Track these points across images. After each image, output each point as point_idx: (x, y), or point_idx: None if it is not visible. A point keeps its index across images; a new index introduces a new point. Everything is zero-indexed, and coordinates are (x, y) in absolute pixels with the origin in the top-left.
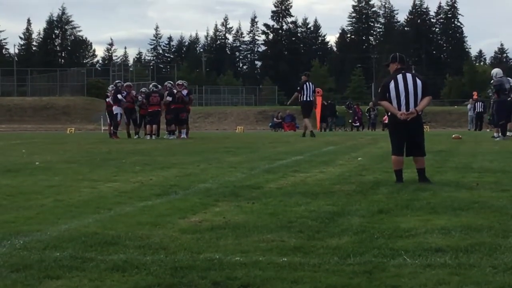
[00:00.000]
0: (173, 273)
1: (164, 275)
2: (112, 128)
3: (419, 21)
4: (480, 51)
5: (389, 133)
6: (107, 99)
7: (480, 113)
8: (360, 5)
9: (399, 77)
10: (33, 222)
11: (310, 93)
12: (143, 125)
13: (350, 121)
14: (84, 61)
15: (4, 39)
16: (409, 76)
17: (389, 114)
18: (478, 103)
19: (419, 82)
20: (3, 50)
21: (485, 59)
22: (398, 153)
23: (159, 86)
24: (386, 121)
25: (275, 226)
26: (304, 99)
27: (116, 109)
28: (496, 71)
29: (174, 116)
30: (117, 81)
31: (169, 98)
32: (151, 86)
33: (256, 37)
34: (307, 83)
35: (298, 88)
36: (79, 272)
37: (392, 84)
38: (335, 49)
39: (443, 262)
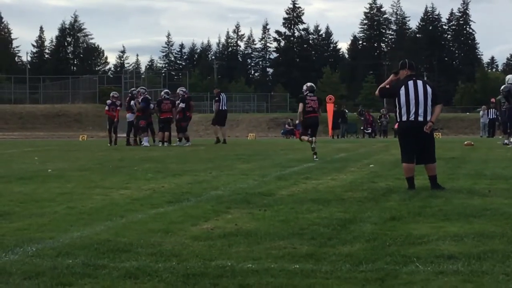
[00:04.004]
0: (185, 280)
1: (176, 282)
2: (130, 135)
3: (431, 27)
4: (492, 57)
5: (399, 140)
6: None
7: (493, 119)
8: (372, 12)
9: (410, 83)
10: (45, 229)
11: (225, 102)
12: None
13: (362, 128)
14: (96, 69)
15: (17, 47)
16: (419, 83)
17: (399, 121)
18: (491, 109)
19: (429, 89)
20: (16, 58)
21: (497, 65)
22: (408, 160)
23: (170, 93)
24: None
25: (287, 233)
26: (221, 108)
27: (130, 117)
28: (509, 77)
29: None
30: (132, 89)
31: (182, 105)
32: (162, 93)
33: (268, 44)
34: (222, 94)
35: (217, 98)
36: (92, 279)
37: (402, 90)
38: (346, 56)
39: (455, 269)
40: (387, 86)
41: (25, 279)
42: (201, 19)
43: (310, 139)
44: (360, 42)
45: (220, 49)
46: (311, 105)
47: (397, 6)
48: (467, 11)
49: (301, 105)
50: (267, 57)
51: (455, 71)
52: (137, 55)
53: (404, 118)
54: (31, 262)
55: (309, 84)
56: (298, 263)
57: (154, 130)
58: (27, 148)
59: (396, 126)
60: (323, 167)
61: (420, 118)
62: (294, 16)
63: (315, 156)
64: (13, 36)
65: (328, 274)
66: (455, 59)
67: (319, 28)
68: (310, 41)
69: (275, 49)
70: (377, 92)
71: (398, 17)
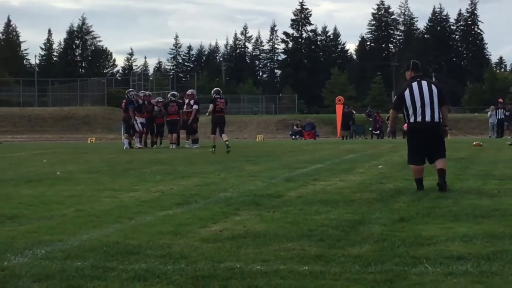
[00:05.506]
0: (194, 282)
1: (185, 284)
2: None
3: (439, 28)
4: (501, 58)
5: (407, 142)
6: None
7: (501, 120)
8: (380, 13)
9: (414, 85)
10: (54, 232)
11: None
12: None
13: (370, 129)
14: (104, 71)
15: (25, 50)
16: (424, 83)
17: (407, 123)
18: (499, 110)
19: (434, 89)
20: (24, 61)
21: (505, 66)
22: (416, 162)
23: (177, 94)
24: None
25: (295, 235)
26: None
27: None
28: None
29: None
30: (141, 92)
31: (196, 107)
32: (169, 95)
33: (276, 46)
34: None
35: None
36: (101, 281)
37: (407, 92)
38: (354, 57)
39: (465, 270)
40: (394, 98)
41: (34, 281)
42: (209, 21)
43: (224, 137)
44: (368, 43)
45: (228, 50)
46: (220, 106)
47: (405, 7)
48: (475, 12)
49: (211, 105)
50: (275, 58)
51: (463, 71)
52: (145, 57)
53: (412, 119)
54: (41, 265)
55: (215, 89)
56: (307, 265)
57: (162, 133)
58: (36, 150)
59: (404, 127)
60: (331, 168)
61: (428, 118)
62: (301, 18)
63: (229, 146)
64: (21, 39)
65: (337, 275)
66: (463, 60)
67: (327, 29)
68: (318, 42)
69: (283, 50)
70: (391, 112)
71: (406, 17)
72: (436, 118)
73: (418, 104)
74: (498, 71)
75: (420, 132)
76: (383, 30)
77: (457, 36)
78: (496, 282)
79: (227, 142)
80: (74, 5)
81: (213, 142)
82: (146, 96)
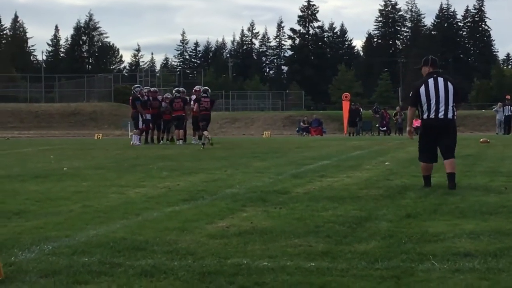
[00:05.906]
0: (200, 278)
1: (192, 280)
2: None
3: (446, 25)
4: (508, 54)
5: (419, 138)
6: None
7: (508, 116)
8: (387, 9)
9: (430, 81)
10: (61, 227)
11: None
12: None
13: (377, 125)
14: (111, 67)
15: (32, 46)
16: (440, 80)
17: (421, 119)
18: (507, 106)
19: (450, 86)
20: (31, 57)
21: None
22: (426, 160)
23: (183, 90)
24: (415, 126)
25: (302, 231)
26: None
27: (148, 116)
28: None
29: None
30: (146, 88)
31: None
32: (174, 91)
33: (283, 42)
34: None
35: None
36: (107, 277)
37: (422, 89)
38: (361, 53)
39: (471, 267)
40: (410, 94)
41: (41, 277)
42: (216, 17)
43: (205, 133)
44: (375, 39)
45: (235, 47)
46: (204, 105)
47: (412, 3)
48: (483, 8)
49: (196, 104)
50: (282, 55)
51: (470, 68)
52: (152, 54)
53: (425, 115)
54: (48, 261)
55: (203, 88)
56: (313, 261)
57: (169, 129)
58: (43, 146)
59: (413, 123)
60: (338, 165)
61: (441, 115)
62: (308, 14)
63: (205, 143)
64: (28, 35)
65: (343, 272)
66: (471, 56)
67: (334, 26)
68: (325, 39)
69: (289, 47)
70: (408, 110)
71: (413, 14)
72: (450, 115)
73: (433, 101)
74: (505, 67)
75: (433, 128)
76: (390, 27)
77: (464, 33)
78: (503, 278)
79: (208, 138)
80: (81, 1)
81: (207, 136)
82: (151, 92)
